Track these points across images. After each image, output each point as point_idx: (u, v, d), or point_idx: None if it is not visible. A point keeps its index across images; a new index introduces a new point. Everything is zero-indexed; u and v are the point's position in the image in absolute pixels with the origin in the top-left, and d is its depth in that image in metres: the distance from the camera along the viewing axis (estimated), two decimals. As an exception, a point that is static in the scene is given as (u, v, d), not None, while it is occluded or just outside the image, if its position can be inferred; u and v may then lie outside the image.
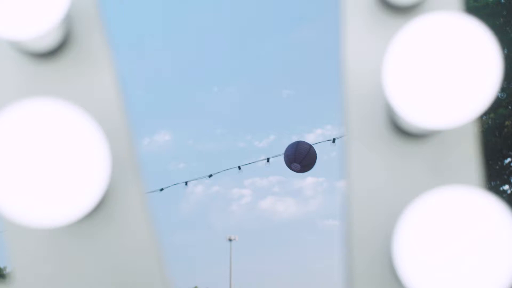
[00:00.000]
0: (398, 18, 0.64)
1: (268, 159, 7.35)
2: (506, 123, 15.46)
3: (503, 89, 16.28)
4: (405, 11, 0.63)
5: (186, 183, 8.40)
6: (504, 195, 18.23)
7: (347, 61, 0.64)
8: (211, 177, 8.36)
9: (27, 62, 0.57)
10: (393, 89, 0.56)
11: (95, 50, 0.59)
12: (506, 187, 18.41)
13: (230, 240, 54.49)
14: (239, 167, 7.96)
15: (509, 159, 17.86)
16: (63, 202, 0.51)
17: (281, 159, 5.80)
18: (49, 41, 0.57)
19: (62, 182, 0.51)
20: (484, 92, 0.53)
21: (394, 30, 0.62)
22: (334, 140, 8.11)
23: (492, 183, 18.71)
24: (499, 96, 16.06)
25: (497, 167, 17.62)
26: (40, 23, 0.53)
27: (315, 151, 5.69)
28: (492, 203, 0.50)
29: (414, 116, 0.55)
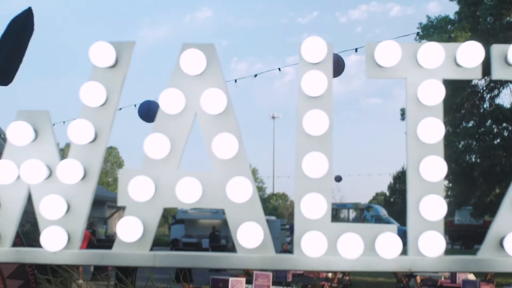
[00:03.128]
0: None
1: (279, 69, 8.79)
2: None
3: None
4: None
5: (235, 80, 9.88)
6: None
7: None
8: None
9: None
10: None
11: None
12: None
13: (273, 118, 56.93)
14: (279, 69, 9.40)
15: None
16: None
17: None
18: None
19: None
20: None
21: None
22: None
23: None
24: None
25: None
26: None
27: (343, 61, 6.90)
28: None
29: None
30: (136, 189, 2.27)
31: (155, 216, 2.33)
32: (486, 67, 2.21)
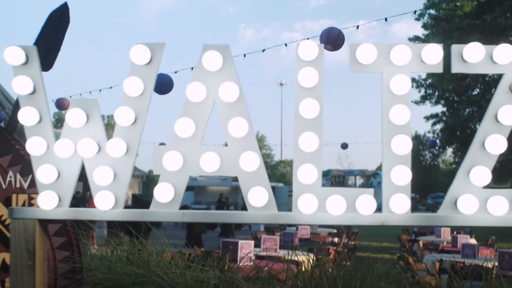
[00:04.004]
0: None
1: (285, 44, 9.21)
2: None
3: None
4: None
5: (244, 55, 10.28)
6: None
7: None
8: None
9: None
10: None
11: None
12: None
13: (281, 84, 56.90)
14: (286, 44, 9.81)
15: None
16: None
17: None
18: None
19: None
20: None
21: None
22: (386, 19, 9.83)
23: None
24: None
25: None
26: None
27: (343, 36, 7.35)
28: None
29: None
30: (168, 161, 2.90)
31: (183, 182, 2.96)
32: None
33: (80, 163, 3.02)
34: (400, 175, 2.81)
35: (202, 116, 2.94)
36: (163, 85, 9.13)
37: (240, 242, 6.02)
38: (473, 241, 10.75)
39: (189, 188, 34.26)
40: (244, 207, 2.93)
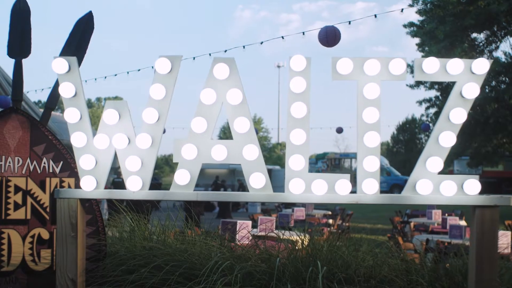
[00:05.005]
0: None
1: (303, 32, 9.90)
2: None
3: None
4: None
5: (243, 46, 10.94)
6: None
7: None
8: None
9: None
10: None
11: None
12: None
13: (278, 67, 57.04)
14: (283, 37, 10.45)
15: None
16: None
17: None
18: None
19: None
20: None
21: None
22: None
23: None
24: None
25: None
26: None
27: (339, 32, 7.94)
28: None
29: (295, 116, 3.51)
30: (186, 152, 3.62)
31: (197, 169, 3.68)
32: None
33: (113, 153, 3.73)
34: (371, 164, 3.52)
35: (213, 115, 3.65)
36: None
37: (239, 222, 6.45)
38: (462, 223, 11.35)
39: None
40: (239, 189, 3.63)
